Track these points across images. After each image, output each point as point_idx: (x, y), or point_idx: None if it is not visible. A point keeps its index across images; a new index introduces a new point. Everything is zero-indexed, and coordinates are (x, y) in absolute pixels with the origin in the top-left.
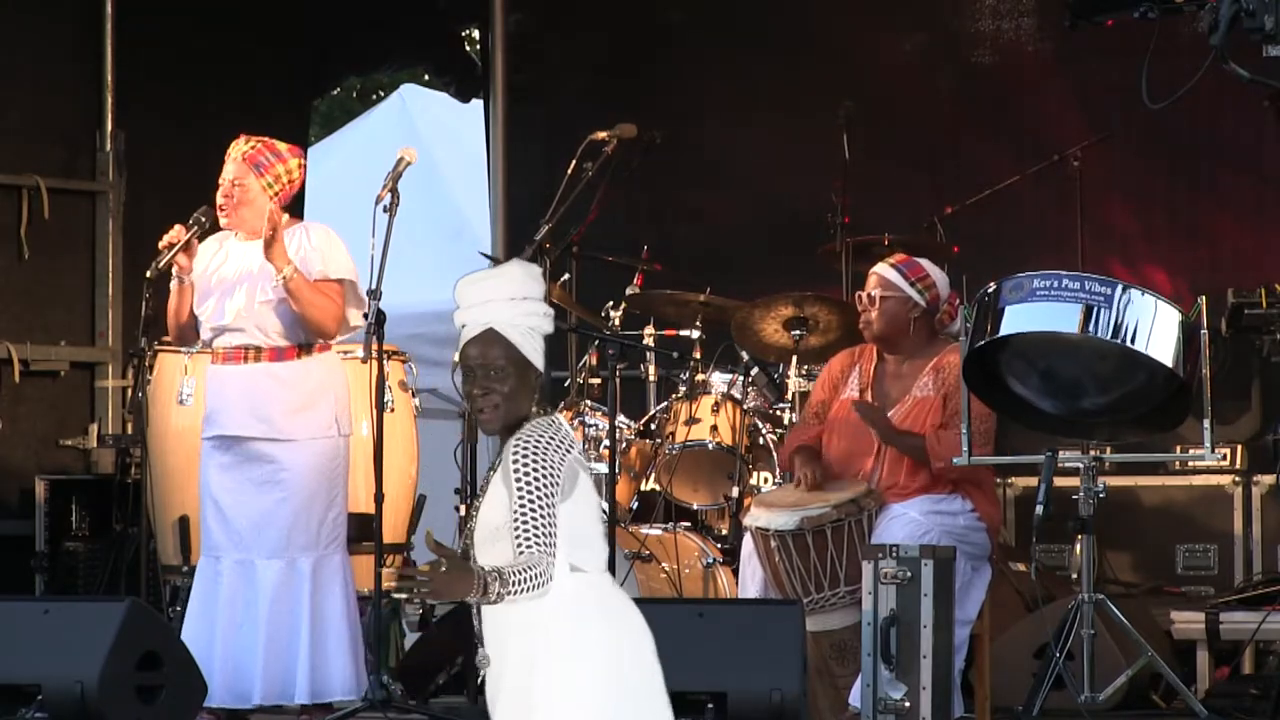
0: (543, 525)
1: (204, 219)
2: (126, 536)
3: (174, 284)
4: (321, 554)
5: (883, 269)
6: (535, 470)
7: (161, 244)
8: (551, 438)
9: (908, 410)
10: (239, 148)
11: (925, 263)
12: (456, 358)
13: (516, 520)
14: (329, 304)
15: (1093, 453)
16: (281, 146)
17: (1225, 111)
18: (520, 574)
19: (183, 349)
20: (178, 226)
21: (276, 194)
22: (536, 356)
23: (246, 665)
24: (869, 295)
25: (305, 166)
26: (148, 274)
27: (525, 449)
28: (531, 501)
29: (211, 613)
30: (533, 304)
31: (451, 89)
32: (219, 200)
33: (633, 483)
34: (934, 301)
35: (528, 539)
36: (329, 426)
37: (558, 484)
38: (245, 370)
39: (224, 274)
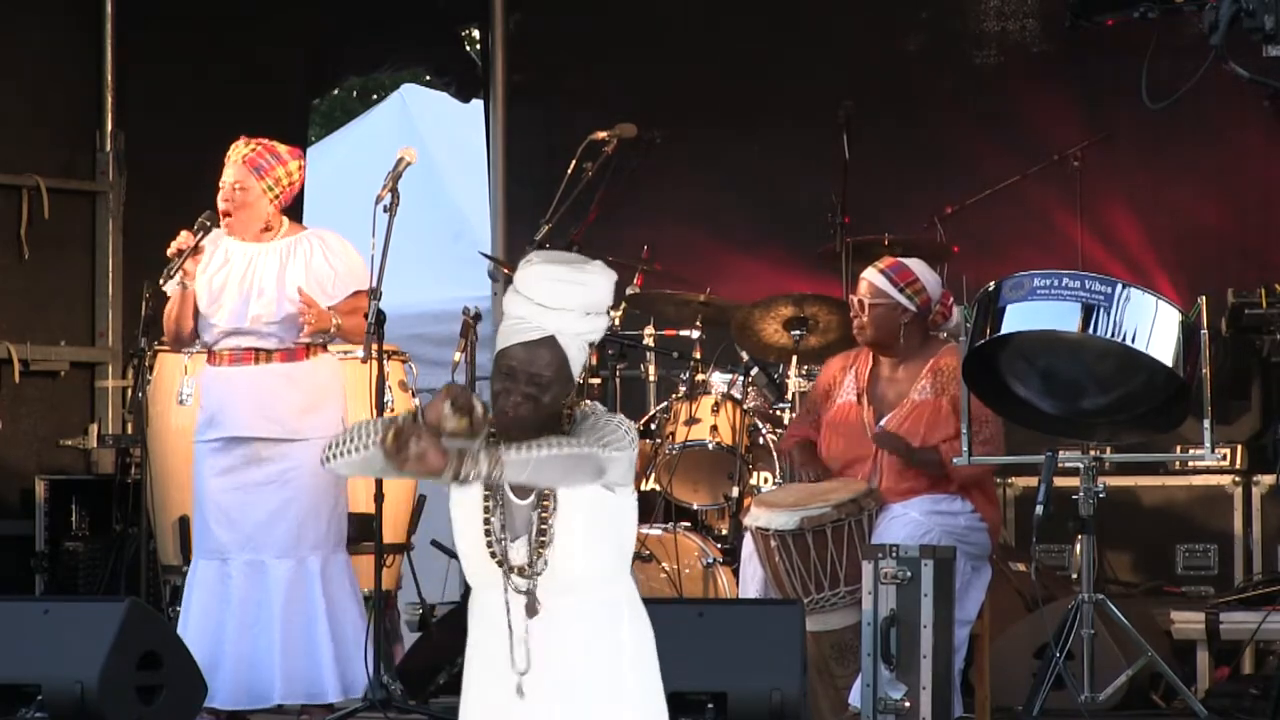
0: None
1: (209, 224)
2: (126, 536)
3: (176, 290)
4: (329, 552)
5: (871, 275)
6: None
7: (170, 251)
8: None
9: (906, 413)
10: (239, 150)
11: (915, 265)
12: (499, 349)
13: None
14: (362, 319)
15: (1093, 453)
16: (282, 148)
17: (1225, 111)
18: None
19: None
20: (184, 233)
21: (277, 196)
22: (578, 369)
23: (263, 666)
24: (859, 301)
25: (305, 168)
26: (160, 283)
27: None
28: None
29: (219, 615)
30: (604, 318)
31: (451, 89)
32: (221, 204)
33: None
34: (925, 305)
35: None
36: (335, 426)
37: None
38: (253, 371)
39: (229, 276)
